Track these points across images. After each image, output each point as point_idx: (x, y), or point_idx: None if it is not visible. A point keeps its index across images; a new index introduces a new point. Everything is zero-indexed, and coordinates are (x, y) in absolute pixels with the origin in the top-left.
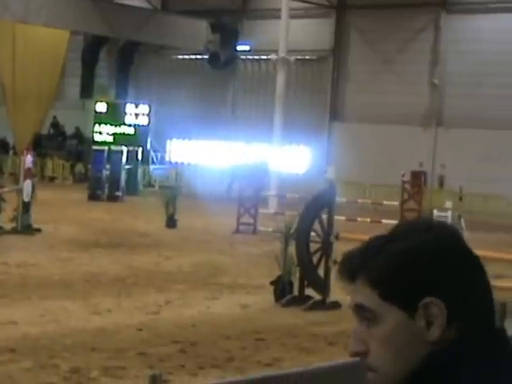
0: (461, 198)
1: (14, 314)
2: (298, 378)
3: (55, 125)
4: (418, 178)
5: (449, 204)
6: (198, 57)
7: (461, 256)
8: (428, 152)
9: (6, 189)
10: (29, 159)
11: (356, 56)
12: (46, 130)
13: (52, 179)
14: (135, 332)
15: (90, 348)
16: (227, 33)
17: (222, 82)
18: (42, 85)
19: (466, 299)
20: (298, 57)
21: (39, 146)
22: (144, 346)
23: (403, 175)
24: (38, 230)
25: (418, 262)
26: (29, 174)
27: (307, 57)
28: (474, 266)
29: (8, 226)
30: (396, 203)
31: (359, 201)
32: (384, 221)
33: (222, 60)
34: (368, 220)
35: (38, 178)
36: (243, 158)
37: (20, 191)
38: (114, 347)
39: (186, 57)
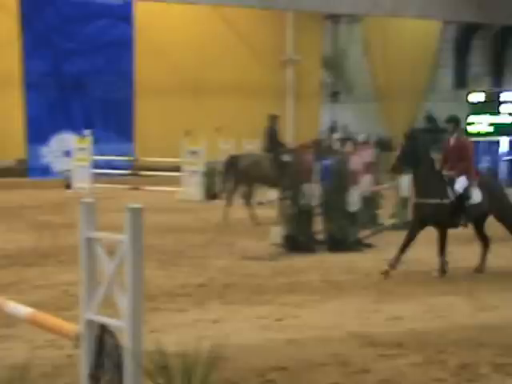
0: None
1: (399, 310)
2: None
3: (429, 118)
4: None
5: None
6: None
7: None
8: None
9: (385, 185)
10: None
11: None
12: (419, 123)
13: None
14: None
15: (478, 343)
16: None
17: None
18: (414, 78)
19: None
20: None
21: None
22: None
23: None
24: None
25: None
26: None
27: None
28: None
29: (388, 222)
30: None
31: None
32: None
33: None
34: None
35: None
36: None
37: (397, 187)
38: (502, 343)
39: None
